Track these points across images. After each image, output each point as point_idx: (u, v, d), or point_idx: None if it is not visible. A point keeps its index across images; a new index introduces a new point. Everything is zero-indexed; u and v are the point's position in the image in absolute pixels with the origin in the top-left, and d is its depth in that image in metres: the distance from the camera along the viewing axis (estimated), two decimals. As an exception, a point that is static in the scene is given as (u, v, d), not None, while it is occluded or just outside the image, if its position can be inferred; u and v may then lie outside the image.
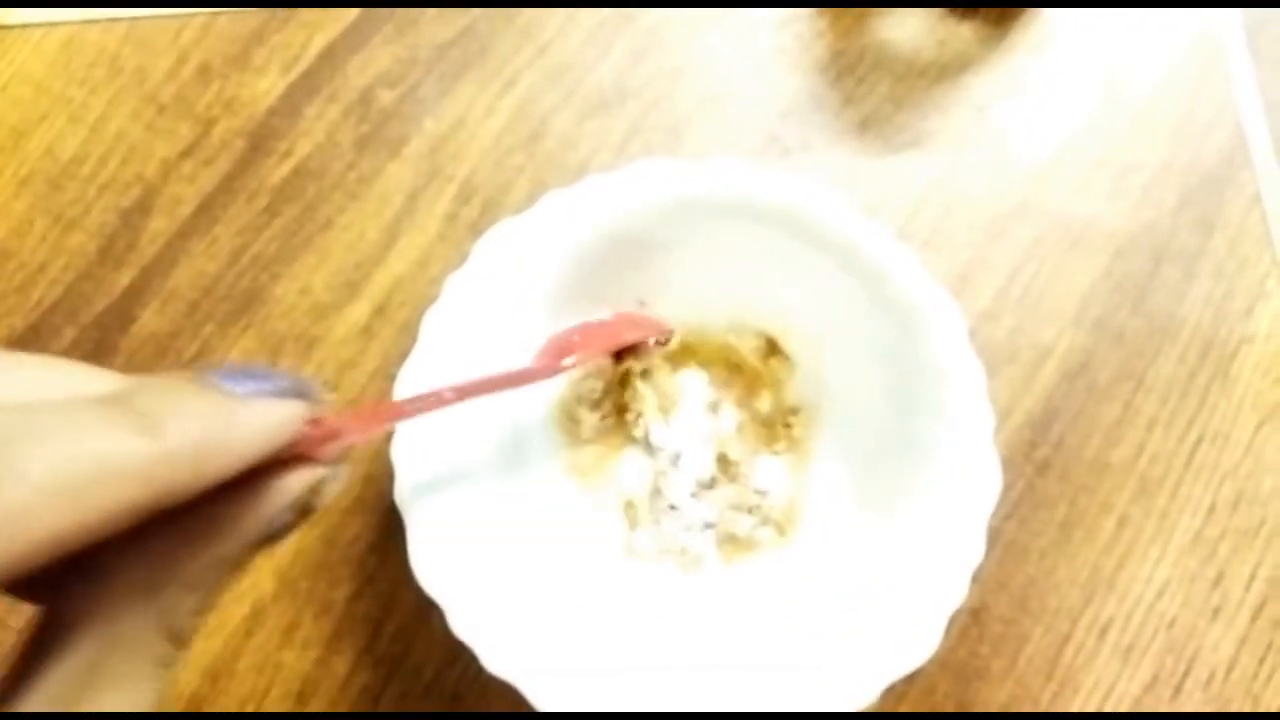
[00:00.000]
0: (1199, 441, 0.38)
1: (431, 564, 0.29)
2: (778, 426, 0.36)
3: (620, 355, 0.34)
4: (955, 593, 0.30)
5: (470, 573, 0.30)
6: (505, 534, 0.31)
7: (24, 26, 0.42)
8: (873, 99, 0.42)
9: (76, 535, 0.15)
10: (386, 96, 0.41)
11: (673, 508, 0.34)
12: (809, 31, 0.43)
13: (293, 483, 0.19)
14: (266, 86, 0.41)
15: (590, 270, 0.34)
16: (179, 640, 0.18)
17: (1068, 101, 0.42)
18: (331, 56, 0.42)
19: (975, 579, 0.30)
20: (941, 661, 0.29)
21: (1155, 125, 0.42)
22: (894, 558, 0.31)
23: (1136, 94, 0.42)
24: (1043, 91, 0.42)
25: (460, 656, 0.32)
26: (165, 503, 0.16)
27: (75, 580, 0.17)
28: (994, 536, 0.30)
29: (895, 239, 0.33)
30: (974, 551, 0.30)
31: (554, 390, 0.35)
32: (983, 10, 0.43)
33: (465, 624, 0.29)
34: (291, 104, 0.41)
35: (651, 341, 0.34)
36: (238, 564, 0.19)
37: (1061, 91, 0.42)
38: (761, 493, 0.35)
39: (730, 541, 0.34)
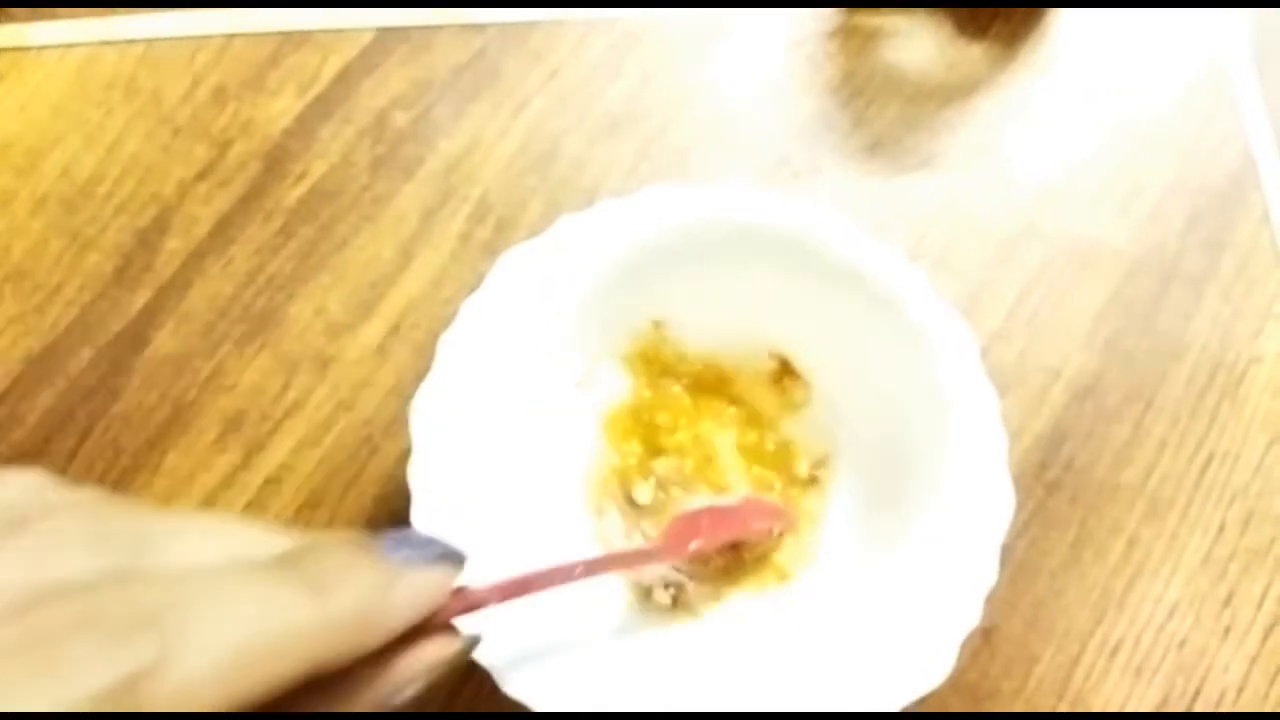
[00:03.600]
0: (1209, 462, 0.38)
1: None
2: (804, 487, 0.36)
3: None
4: (968, 616, 0.30)
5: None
6: (523, 556, 0.31)
7: (40, 49, 0.43)
8: (883, 121, 0.42)
9: (243, 704, 0.15)
10: (401, 118, 0.42)
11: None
12: (819, 54, 0.43)
13: (430, 653, 0.19)
14: (282, 108, 0.42)
15: (604, 295, 0.34)
16: None
17: (1077, 123, 0.43)
18: (346, 79, 0.42)
19: (985, 600, 0.30)
20: (952, 682, 0.29)
21: (1164, 146, 0.42)
22: (906, 581, 0.31)
23: (1145, 115, 0.43)
24: (1052, 113, 0.43)
25: (473, 677, 0.32)
26: (323, 670, 0.17)
27: None
28: (1004, 557, 0.30)
29: (905, 261, 0.33)
30: (986, 575, 0.30)
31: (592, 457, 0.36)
32: (992, 32, 0.43)
33: (482, 645, 0.29)
34: (307, 126, 0.41)
35: (775, 532, 0.34)
36: None
37: (1070, 113, 0.43)
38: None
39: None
